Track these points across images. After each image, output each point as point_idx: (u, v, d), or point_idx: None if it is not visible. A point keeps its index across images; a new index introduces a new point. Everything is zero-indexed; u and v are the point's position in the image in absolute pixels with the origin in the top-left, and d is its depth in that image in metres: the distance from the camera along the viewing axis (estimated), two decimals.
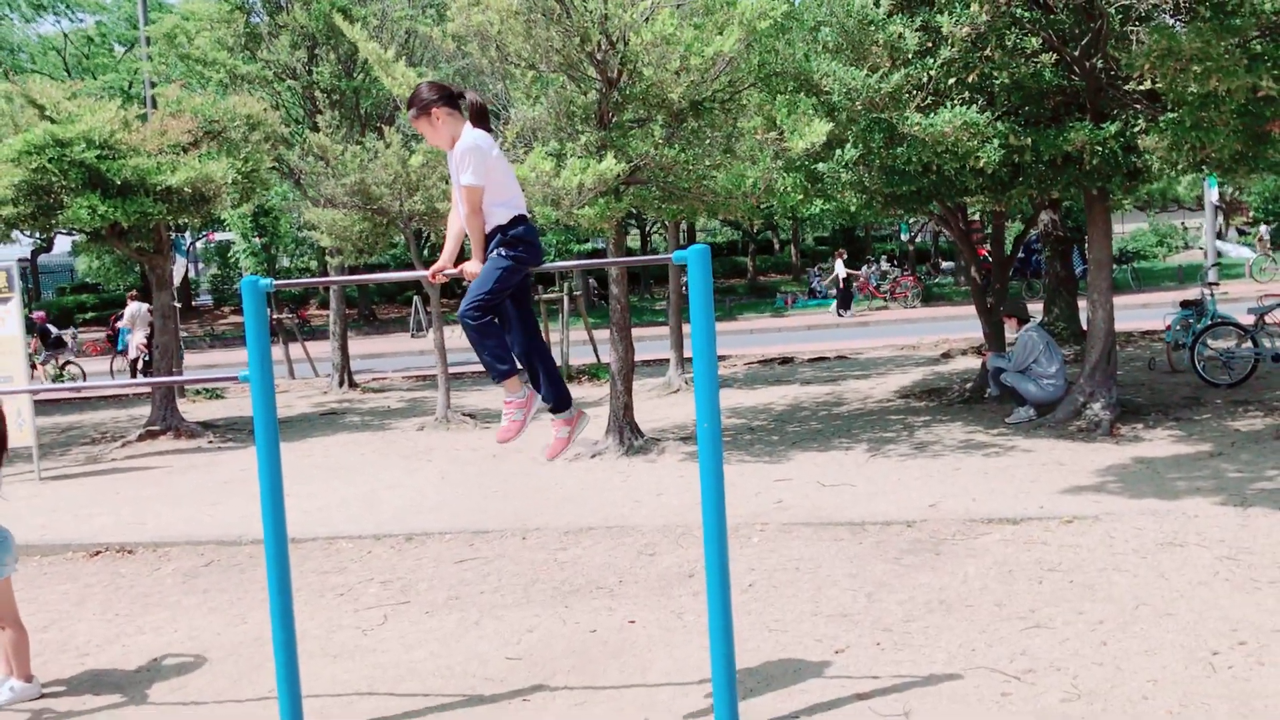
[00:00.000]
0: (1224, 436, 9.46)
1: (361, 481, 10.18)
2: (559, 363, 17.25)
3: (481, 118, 4.73)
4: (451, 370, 14.15)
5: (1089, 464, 8.84)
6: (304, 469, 10.89)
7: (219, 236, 33.69)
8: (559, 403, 4.97)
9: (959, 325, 22.43)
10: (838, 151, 9.41)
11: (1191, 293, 18.42)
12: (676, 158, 9.33)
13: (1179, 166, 9.11)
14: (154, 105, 16.41)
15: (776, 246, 48.12)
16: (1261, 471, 8.14)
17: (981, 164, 9.02)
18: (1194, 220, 47.98)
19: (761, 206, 10.10)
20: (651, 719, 4.66)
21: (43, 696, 5.37)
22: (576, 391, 15.82)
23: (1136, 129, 9.06)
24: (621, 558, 7.18)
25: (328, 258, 15.24)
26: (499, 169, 4.71)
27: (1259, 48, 8.10)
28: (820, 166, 9.64)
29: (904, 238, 41.46)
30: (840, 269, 28.03)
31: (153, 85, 17.59)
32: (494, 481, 9.82)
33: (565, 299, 17.60)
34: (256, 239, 29.61)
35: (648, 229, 43.20)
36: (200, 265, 44.79)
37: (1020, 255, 22.98)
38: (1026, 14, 9.11)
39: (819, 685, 4.88)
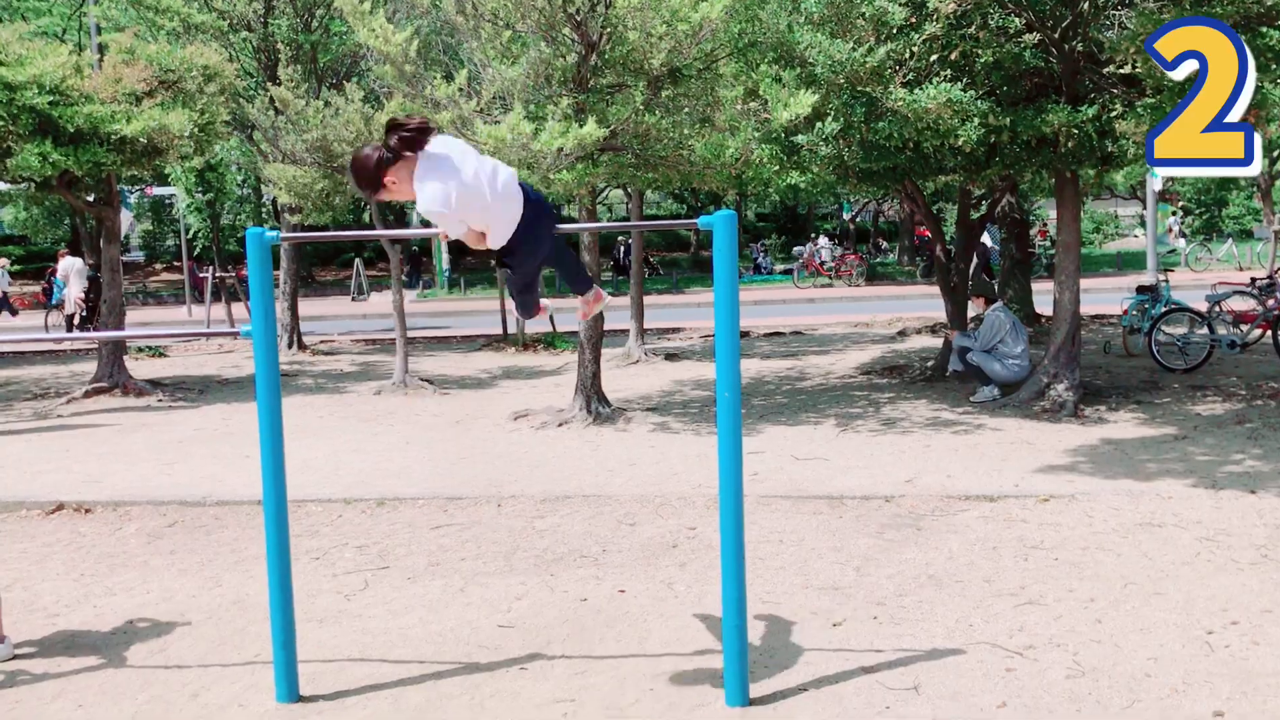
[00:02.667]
0: (1186, 420, 9.61)
1: (322, 444, 9.96)
2: (514, 330, 17.09)
3: (417, 142, 4.08)
4: (408, 334, 13.91)
5: (1058, 444, 8.93)
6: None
7: (156, 191, 32.77)
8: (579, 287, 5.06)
9: (906, 304, 22.61)
10: (818, 124, 9.36)
11: (1141, 278, 18.77)
12: (656, 125, 9.21)
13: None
14: (100, 52, 15.86)
15: None
16: (1228, 455, 8.28)
17: (960, 142, 9.04)
18: (1126, 209, 48.93)
19: (739, 177, 10.01)
20: (657, 690, 4.60)
21: (15, 658, 5.16)
22: (533, 360, 15.69)
23: (1114, 113, 9.12)
24: (601, 527, 7.10)
25: (285, 215, 14.87)
26: (464, 201, 4.11)
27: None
28: (799, 139, 9.59)
29: (845, 217, 41.64)
30: (989, 239, 27.68)
31: (98, 31, 17.03)
32: (460, 447, 9.68)
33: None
34: (200, 195, 28.86)
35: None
36: (132, 220, 43.67)
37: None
38: None
39: (822, 658, 4.86)
